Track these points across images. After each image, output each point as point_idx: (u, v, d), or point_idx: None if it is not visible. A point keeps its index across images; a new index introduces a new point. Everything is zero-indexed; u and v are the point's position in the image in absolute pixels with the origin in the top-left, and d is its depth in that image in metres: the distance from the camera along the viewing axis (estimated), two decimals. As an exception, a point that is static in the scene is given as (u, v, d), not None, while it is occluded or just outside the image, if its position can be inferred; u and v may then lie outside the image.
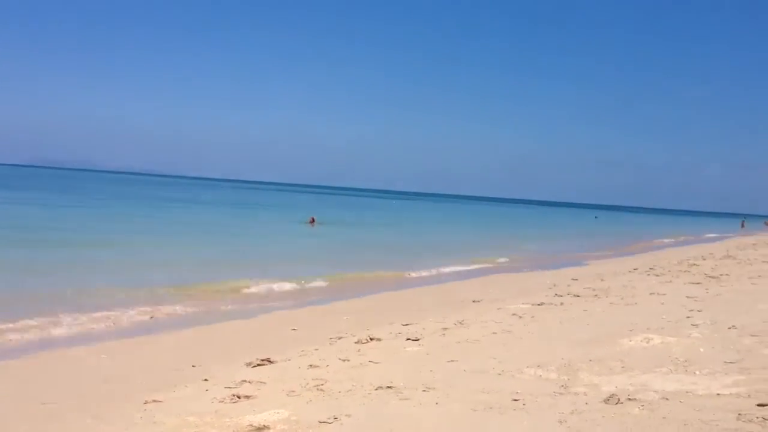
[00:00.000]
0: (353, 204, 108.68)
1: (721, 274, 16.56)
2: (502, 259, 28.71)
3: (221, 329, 12.41)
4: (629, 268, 21.38)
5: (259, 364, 8.40)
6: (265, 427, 5.45)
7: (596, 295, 13.52)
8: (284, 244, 33.42)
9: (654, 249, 38.36)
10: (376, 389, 6.41)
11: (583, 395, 5.77)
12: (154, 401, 6.74)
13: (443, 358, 7.81)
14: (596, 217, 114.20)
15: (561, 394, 5.87)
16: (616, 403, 5.41)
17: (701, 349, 7.20)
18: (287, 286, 17.98)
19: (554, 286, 16.55)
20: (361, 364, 7.88)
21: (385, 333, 10.20)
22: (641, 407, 5.27)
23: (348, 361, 8.12)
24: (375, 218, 66.27)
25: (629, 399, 5.49)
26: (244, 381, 7.22)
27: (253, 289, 16.99)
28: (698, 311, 9.91)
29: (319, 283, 18.89)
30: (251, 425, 5.50)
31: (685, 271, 18.14)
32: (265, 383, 7.10)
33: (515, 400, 5.73)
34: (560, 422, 5.06)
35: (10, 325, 11.53)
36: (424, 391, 6.24)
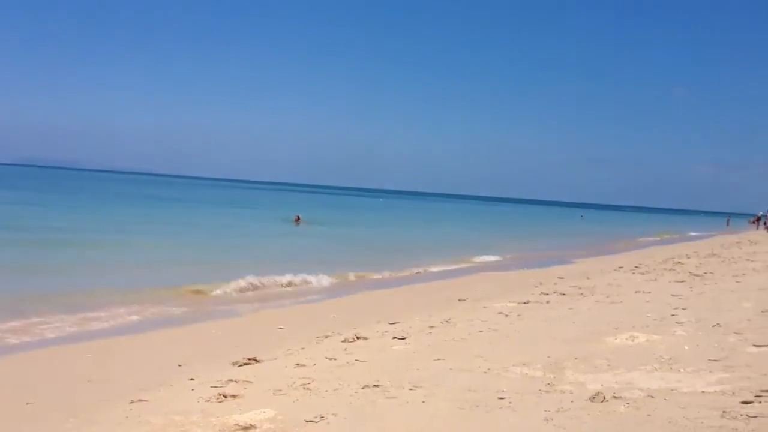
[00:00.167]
0: (340, 203, 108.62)
1: (705, 272, 16.67)
2: (488, 258, 28.78)
3: (207, 329, 12.37)
4: (615, 266, 21.50)
5: (245, 364, 8.38)
6: (252, 426, 5.44)
7: (582, 294, 13.58)
8: (269, 243, 33.26)
9: (639, 247, 38.58)
10: (363, 388, 6.40)
11: (569, 393, 5.79)
12: (140, 401, 6.72)
13: (430, 357, 7.82)
14: (582, 216, 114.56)
15: (547, 392, 5.89)
16: (602, 401, 5.43)
17: (686, 347, 7.25)
18: (273, 285, 17.97)
19: (540, 284, 16.62)
20: (347, 362, 7.87)
21: (372, 332, 10.20)
22: (626, 405, 5.29)
23: (335, 359, 8.12)
24: (361, 217, 66.30)
25: (614, 397, 5.51)
26: (231, 380, 7.20)
27: (239, 289, 16.95)
28: (683, 309, 9.96)
29: (305, 282, 18.88)
30: (237, 424, 5.48)
31: (670, 270, 18.25)
32: (251, 382, 7.08)
33: (501, 398, 5.75)
34: (546, 420, 5.08)
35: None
36: (410, 389, 6.25)
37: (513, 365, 6.96)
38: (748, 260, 20.28)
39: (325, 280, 19.44)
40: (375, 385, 6.43)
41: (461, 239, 42.64)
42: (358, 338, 9.62)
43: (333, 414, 5.57)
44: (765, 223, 48.55)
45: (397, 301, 15.58)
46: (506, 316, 10.97)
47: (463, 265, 26.21)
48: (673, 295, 11.88)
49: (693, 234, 59.71)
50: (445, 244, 36.71)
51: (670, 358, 6.76)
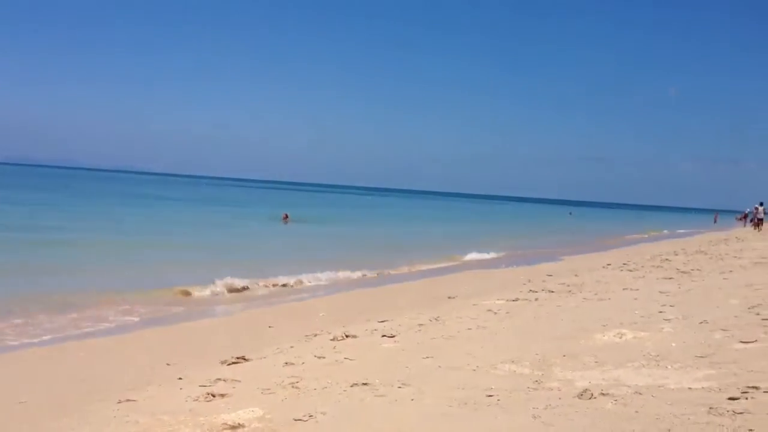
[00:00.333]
0: (328, 201, 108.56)
1: (692, 269, 16.75)
2: (478, 255, 28.83)
3: (196, 328, 12.36)
4: (603, 263, 21.57)
5: (234, 363, 8.36)
6: (240, 425, 5.42)
7: (570, 291, 13.62)
8: (257, 241, 33.21)
9: (627, 244, 38.76)
10: (352, 386, 6.40)
11: (557, 390, 5.80)
12: (128, 400, 6.69)
13: (419, 355, 7.83)
14: (570, 213, 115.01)
15: (535, 389, 5.90)
16: (590, 398, 5.45)
17: (673, 344, 7.28)
18: (261, 284, 17.93)
19: (529, 281, 16.66)
20: (336, 361, 7.87)
21: (361, 330, 10.20)
22: (614, 402, 5.31)
23: (323, 358, 8.11)
24: (349, 215, 66.31)
25: (602, 394, 5.53)
26: (219, 379, 7.18)
27: (227, 289, 16.90)
28: (670, 306, 10.01)
29: (294, 281, 18.85)
30: (225, 424, 5.46)
31: (657, 267, 18.32)
32: (240, 381, 7.06)
33: (489, 395, 5.76)
34: (534, 417, 5.09)
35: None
36: (399, 387, 6.25)
37: (501, 363, 6.97)
38: (735, 257, 20.38)
39: (313, 279, 19.43)
40: (364, 384, 6.43)
41: (450, 237, 42.72)
42: (347, 336, 9.61)
43: (322, 413, 5.57)
44: (752, 220, 48.73)
45: (386, 299, 15.59)
46: (495, 313, 10.99)
47: (453, 263, 26.26)
48: (660, 292, 11.93)
49: (681, 231, 60.06)
50: (435, 242, 36.78)
51: (658, 355, 6.79)
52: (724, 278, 14.00)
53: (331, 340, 9.48)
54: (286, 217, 47.45)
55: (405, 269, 23.31)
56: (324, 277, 19.94)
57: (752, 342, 6.98)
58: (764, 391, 5.20)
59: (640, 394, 5.49)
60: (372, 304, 14.70)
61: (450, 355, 7.68)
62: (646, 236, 51.16)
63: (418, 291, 17.33)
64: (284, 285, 18.32)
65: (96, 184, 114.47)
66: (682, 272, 16.11)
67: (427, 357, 7.64)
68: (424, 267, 24.12)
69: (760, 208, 46.29)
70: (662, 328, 8.20)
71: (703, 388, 5.55)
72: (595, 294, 12.73)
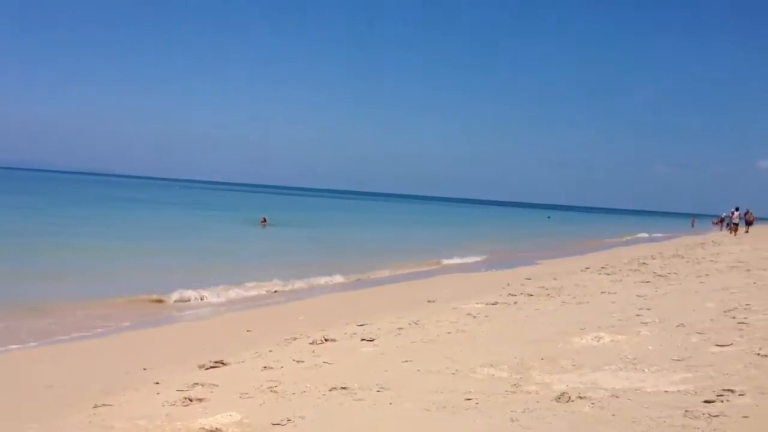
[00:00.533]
0: (307, 204, 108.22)
1: (670, 273, 16.89)
2: (458, 259, 28.89)
3: (173, 332, 12.27)
4: (581, 267, 21.70)
5: (212, 367, 8.31)
6: (217, 430, 5.39)
7: (549, 295, 13.67)
8: (235, 245, 33.00)
9: (606, 248, 39.02)
10: (330, 390, 6.39)
11: (535, 394, 5.83)
12: (105, 405, 6.62)
13: (398, 359, 7.82)
14: (549, 217, 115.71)
15: (513, 392, 5.92)
16: (567, 401, 5.48)
17: (650, 347, 7.33)
18: (239, 288, 17.81)
19: (508, 285, 16.70)
20: (315, 365, 7.84)
21: (340, 333, 10.18)
22: (591, 405, 5.34)
23: (302, 362, 8.08)
24: (329, 218, 66.25)
25: (580, 397, 5.56)
26: (197, 384, 7.12)
27: (206, 292, 16.77)
28: (647, 310, 10.08)
29: (273, 285, 18.77)
30: (203, 428, 5.43)
31: (635, 270, 18.46)
32: (217, 386, 7.01)
33: (468, 399, 5.77)
34: (512, 421, 5.11)
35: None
36: (378, 391, 6.24)
37: (480, 366, 6.99)
38: (711, 261, 20.59)
39: (292, 283, 19.35)
40: (342, 388, 6.42)
41: (430, 241, 42.79)
42: (326, 340, 9.59)
43: (300, 417, 5.55)
44: (728, 225, 49.34)
45: (365, 303, 15.58)
46: (474, 317, 11.02)
47: (433, 267, 26.29)
48: (638, 296, 12.01)
49: (658, 235, 60.56)
50: (414, 246, 36.76)
51: (635, 358, 6.84)
52: (700, 282, 14.13)
53: (310, 344, 9.45)
54: (264, 220, 47.22)
55: (385, 273, 23.30)
56: (303, 280, 19.86)
57: (728, 345, 7.04)
58: (739, 395, 5.26)
59: (617, 397, 5.53)
60: (351, 307, 14.68)
61: (429, 358, 7.69)
62: (624, 240, 51.53)
63: (397, 294, 17.32)
64: (263, 289, 18.23)
65: (66, 186, 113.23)
66: (659, 276, 16.24)
67: (406, 361, 7.63)
68: (404, 271, 24.13)
69: (736, 213, 46.89)
70: (639, 332, 8.26)
71: (679, 391, 5.59)
72: (574, 297, 12.79)
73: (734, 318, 8.63)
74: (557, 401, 5.51)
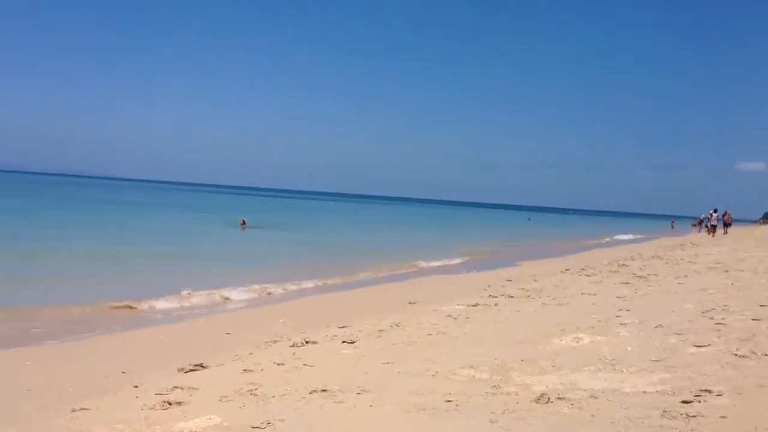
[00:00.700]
0: (288, 206, 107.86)
1: (649, 274, 17.01)
2: (438, 261, 28.92)
3: (152, 336, 12.15)
4: (562, 268, 21.83)
5: (191, 370, 8.26)
6: (197, 433, 5.36)
7: (529, 296, 13.73)
8: (214, 248, 32.64)
9: (586, 249, 39.29)
10: (311, 393, 6.37)
11: (515, 395, 5.85)
12: (82, 409, 6.55)
13: (378, 361, 7.82)
14: (529, 219, 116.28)
15: (493, 394, 5.94)
16: (546, 402, 5.50)
17: (629, 348, 7.38)
18: (219, 291, 17.65)
19: (489, 287, 16.77)
20: (295, 367, 7.82)
21: (321, 336, 10.16)
22: (570, 406, 5.37)
23: (283, 365, 8.05)
24: (310, 220, 66.03)
25: (559, 398, 5.59)
26: (176, 387, 7.07)
27: (186, 294, 16.60)
28: (627, 311, 10.16)
29: (253, 287, 18.66)
30: (182, 432, 5.39)
31: (615, 272, 18.59)
32: (197, 389, 6.97)
33: (448, 401, 5.78)
34: (492, 422, 5.12)
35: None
36: (358, 393, 6.24)
37: (461, 368, 7.00)
38: (690, 262, 20.76)
39: (273, 285, 19.24)
40: (323, 390, 6.41)
41: (411, 242, 42.78)
42: (306, 343, 9.57)
43: (280, 420, 5.53)
44: (707, 226, 49.84)
45: (346, 305, 15.56)
46: (455, 319, 11.04)
47: (414, 269, 26.30)
48: (617, 297, 12.09)
49: (638, 236, 61.06)
50: (395, 247, 36.73)
51: (614, 359, 6.88)
52: (679, 283, 14.25)
53: (291, 346, 9.42)
54: (244, 223, 46.96)
55: (366, 275, 23.27)
56: (284, 283, 19.76)
57: (706, 346, 7.11)
58: (717, 395, 5.31)
59: (596, 397, 5.56)
60: (332, 310, 14.66)
61: (410, 360, 7.69)
62: (605, 241, 51.91)
63: (378, 297, 17.31)
64: (242, 292, 18.10)
65: (49, 189, 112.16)
66: (638, 277, 16.36)
67: (387, 363, 7.63)
68: (385, 273, 24.11)
69: (714, 215, 47.40)
70: (618, 333, 8.31)
71: (657, 391, 5.64)
72: (554, 299, 12.86)
73: (712, 319, 8.71)
74: (537, 402, 5.53)
